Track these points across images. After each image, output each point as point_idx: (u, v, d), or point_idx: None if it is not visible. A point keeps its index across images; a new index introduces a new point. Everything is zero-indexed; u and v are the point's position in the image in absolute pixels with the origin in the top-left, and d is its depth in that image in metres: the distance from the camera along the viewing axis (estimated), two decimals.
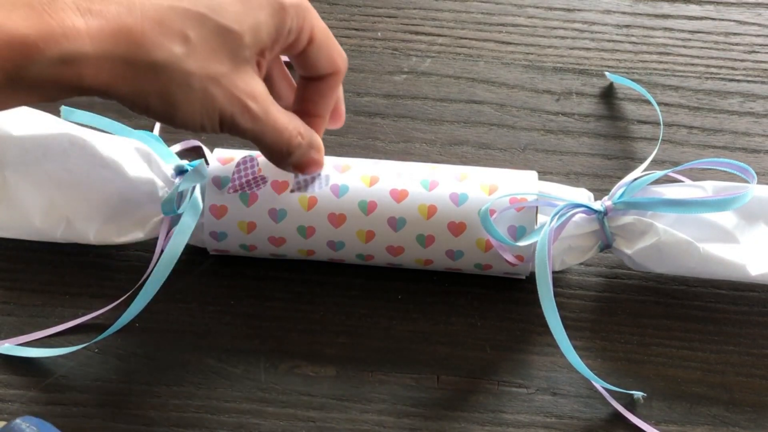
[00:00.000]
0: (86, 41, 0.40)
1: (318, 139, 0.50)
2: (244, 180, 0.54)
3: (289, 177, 0.54)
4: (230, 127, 0.45)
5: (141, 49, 0.41)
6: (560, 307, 0.52)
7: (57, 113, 0.56)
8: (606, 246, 0.55)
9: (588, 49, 0.66)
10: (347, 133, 0.63)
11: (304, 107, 0.51)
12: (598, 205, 0.54)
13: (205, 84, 0.43)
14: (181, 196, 0.55)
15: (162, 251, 0.54)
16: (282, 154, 0.48)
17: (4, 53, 0.39)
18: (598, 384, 0.53)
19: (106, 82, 0.41)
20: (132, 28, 0.41)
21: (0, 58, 0.39)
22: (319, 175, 0.54)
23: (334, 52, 0.49)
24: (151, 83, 0.42)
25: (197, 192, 0.54)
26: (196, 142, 0.61)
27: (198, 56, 0.42)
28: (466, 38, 0.66)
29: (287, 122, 0.47)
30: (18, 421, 0.47)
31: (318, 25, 0.48)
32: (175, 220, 0.55)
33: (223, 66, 0.43)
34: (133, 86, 0.42)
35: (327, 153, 0.60)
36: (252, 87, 0.45)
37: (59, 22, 0.39)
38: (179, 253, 0.53)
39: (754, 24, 0.66)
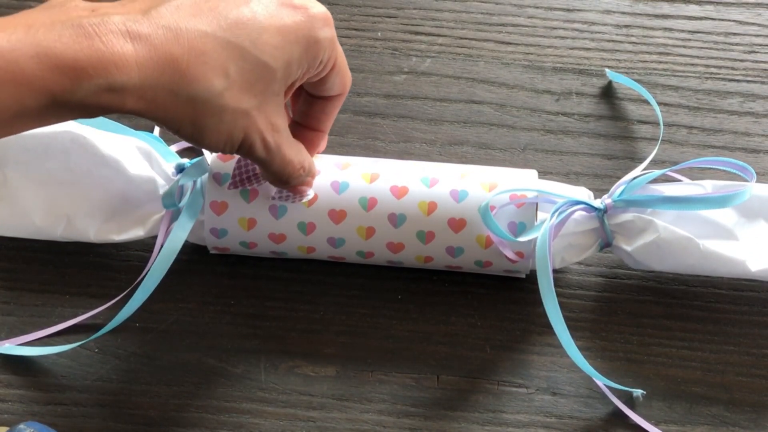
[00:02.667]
0: (134, 71, 0.40)
1: (314, 168, 0.52)
2: (244, 176, 0.54)
3: None
4: (245, 152, 0.46)
5: (184, 80, 0.42)
6: (560, 307, 0.52)
7: None
8: (606, 244, 0.55)
9: (588, 49, 0.66)
10: (347, 133, 0.63)
11: (307, 122, 0.52)
12: (597, 203, 0.54)
13: (235, 117, 0.44)
14: (181, 191, 0.55)
15: (162, 246, 0.54)
16: (281, 181, 0.50)
17: (54, 77, 0.39)
18: (598, 379, 0.53)
19: (145, 108, 0.42)
20: (178, 58, 0.41)
21: (49, 81, 0.39)
22: None
23: (346, 77, 0.50)
24: (187, 112, 0.43)
25: (198, 187, 0.54)
26: None
27: (234, 90, 0.43)
28: (466, 38, 0.66)
29: (294, 155, 0.49)
30: (21, 426, 0.47)
31: (340, 53, 0.49)
32: (175, 216, 0.55)
33: (255, 99, 0.44)
34: (170, 113, 0.42)
35: (327, 153, 0.60)
36: (275, 120, 0.46)
37: (109, 48, 0.40)
38: (179, 248, 0.53)
39: (754, 24, 0.66)
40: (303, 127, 0.52)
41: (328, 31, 0.46)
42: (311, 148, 0.52)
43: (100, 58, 0.39)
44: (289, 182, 0.50)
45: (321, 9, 0.46)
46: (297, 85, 0.47)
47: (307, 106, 0.51)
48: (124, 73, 0.40)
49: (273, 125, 0.46)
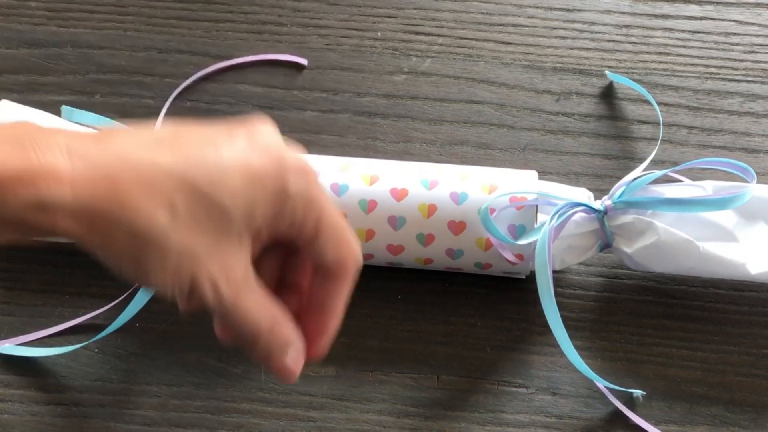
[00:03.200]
0: (66, 188, 0.36)
1: (298, 345, 0.43)
2: None
3: None
4: (198, 300, 0.40)
5: (124, 209, 0.37)
6: (560, 307, 0.52)
7: (57, 112, 0.56)
8: (606, 245, 0.55)
9: (588, 49, 0.66)
10: (347, 133, 0.63)
11: (311, 302, 0.44)
12: (598, 205, 0.54)
13: (181, 257, 0.39)
14: None
15: None
16: (245, 343, 0.42)
17: None
18: (598, 382, 0.53)
19: (81, 232, 0.38)
20: (120, 183, 0.37)
21: None
22: None
23: (342, 246, 0.43)
24: (127, 245, 0.38)
25: None
26: None
27: (181, 228, 0.39)
28: (466, 38, 0.66)
29: (260, 314, 0.41)
30: None
31: (328, 216, 0.42)
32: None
33: (205, 239, 0.39)
34: (109, 243, 0.38)
35: (328, 153, 0.60)
36: (229, 266, 0.40)
37: (42, 161, 0.36)
38: None
39: (754, 24, 0.66)
40: (306, 310, 0.44)
41: (301, 183, 0.40)
42: (316, 332, 0.44)
43: (29, 171, 0.36)
44: (255, 348, 0.42)
45: (296, 158, 0.41)
46: (270, 237, 0.41)
47: (311, 282, 0.45)
48: (54, 189, 0.36)
49: (228, 273, 0.40)
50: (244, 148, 0.40)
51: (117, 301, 0.56)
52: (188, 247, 0.39)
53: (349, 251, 0.43)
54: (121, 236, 0.38)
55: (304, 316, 0.43)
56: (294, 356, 0.42)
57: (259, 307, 0.41)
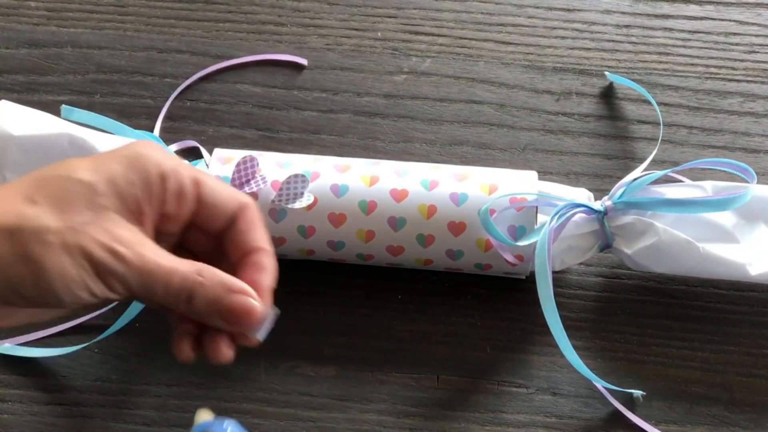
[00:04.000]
0: None
1: (244, 288, 0.42)
2: (243, 179, 0.54)
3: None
4: (107, 276, 0.40)
5: None
6: (560, 307, 0.52)
7: (57, 112, 0.56)
8: (606, 246, 0.55)
9: (588, 49, 0.66)
10: (347, 133, 0.63)
11: (238, 256, 0.44)
12: (598, 205, 0.54)
13: (64, 236, 0.39)
14: None
15: None
16: (181, 301, 0.41)
17: None
18: (598, 383, 0.53)
19: None
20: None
21: None
22: (302, 187, 0.53)
23: (231, 198, 0.44)
24: (6, 247, 0.38)
25: None
26: (194, 143, 0.61)
27: (50, 210, 0.39)
28: (466, 38, 0.66)
29: (176, 263, 0.41)
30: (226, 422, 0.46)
31: (205, 184, 0.43)
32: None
33: (83, 216, 0.39)
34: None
35: (328, 153, 0.60)
36: (119, 233, 0.40)
37: None
38: None
39: (754, 24, 0.66)
40: (239, 263, 0.44)
41: (155, 150, 0.42)
42: (256, 270, 0.44)
43: None
44: (193, 296, 0.41)
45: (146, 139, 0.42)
46: (155, 209, 0.42)
47: (231, 257, 0.44)
48: None
49: (117, 237, 0.40)
50: (102, 155, 0.41)
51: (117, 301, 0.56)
52: (67, 224, 0.39)
53: (236, 195, 0.44)
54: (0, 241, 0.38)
55: (240, 272, 0.43)
56: (244, 300, 0.42)
57: (173, 260, 0.41)
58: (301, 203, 0.53)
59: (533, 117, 0.63)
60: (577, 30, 0.67)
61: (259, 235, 0.44)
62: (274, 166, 0.55)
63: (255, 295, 0.42)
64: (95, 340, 0.55)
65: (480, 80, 0.65)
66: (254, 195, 0.54)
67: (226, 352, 0.42)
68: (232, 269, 0.43)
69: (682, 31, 0.66)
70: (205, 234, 0.44)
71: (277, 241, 0.54)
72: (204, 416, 0.47)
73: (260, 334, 0.42)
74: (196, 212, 0.43)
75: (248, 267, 0.43)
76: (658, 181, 0.55)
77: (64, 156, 0.55)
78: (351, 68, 0.65)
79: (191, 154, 0.61)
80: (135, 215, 0.41)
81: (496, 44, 0.66)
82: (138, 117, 0.63)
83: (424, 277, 0.58)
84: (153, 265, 0.40)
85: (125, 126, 0.57)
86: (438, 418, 0.54)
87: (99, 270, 0.39)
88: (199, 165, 0.55)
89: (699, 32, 0.66)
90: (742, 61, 0.65)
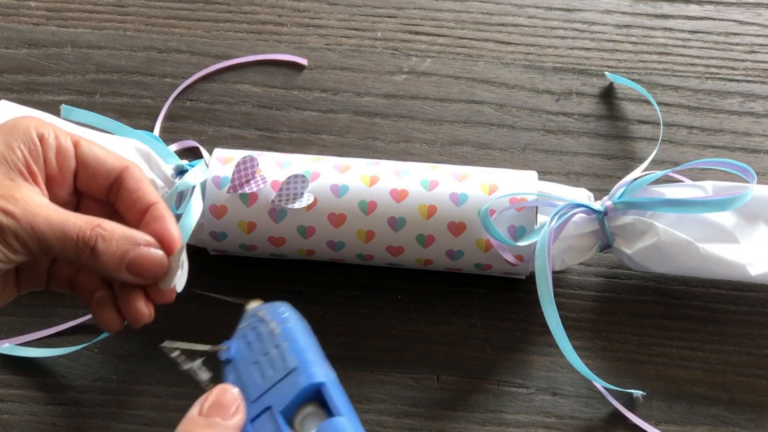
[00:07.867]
0: None
1: (150, 240, 0.43)
2: (243, 180, 0.54)
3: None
4: (4, 236, 0.41)
5: None
6: (560, 307, 0.52)
7: (57, 112, 0.56)
8: (606, 246, 0.55)
9: (588, 49, 0.66)
10: (347, 133, 0.63)
11: (145, 226, 0.44)
12: (598, 205, 0.54)
13: None
14: (181, 196, 0.55)
15: None
16: (85, 255, 0.42)
17: None
18: (598, 383, 0.53)
19: None
20: None
21: None
22: (302, 187, 0.53)
23: (111, 152, 0.45)
24: None
25: (197, 191, 0.54)
26: (194, 143, 0.61)
27: None
28: (466, 38, 0.66)
29: (69, 216, 0.42)
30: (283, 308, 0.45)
31: (83, 147, 0.44)
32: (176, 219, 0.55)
33: None
34: None
35: (328, 153, 0.60)
36: (9, 194, 0.41)
37: None
38: None
39: (754, 24, 0.66)
40: (135, 218, 0.45)
41: (32, 118, 0.44)
42: (156, 221, 0.44)
43: None
44: (93, 249, 0.42)
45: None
46: (38, 173, 0.43)
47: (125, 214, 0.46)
48: None
49: (9, 197, 0.41)
50: None
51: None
52: None
53: (116, 156, 0.45)
54: None
55: (143, 228, 0.44)
56: (148, 250, 0.43)
57: (66, 214, 0.42)
58: (301, 203, 0.53)
59: (533, 117, 0.63)
60: (577, 30, 0.67)
61: (149, 191, 0.45)
62: (274, 166, 0.55)
63: (157, 244, 0.43)
64: (95, 340, 0.55)
65: (480, 80, 0.65)
66: (254, 195, 0.54)
67: (143, 310, 0.44)
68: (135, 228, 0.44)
69: (682, 31, 0.66)
70: (96, 202, 0.45)
71: (277, 241, 0.55)
72: (255, 304, 0.47)
73: (177, 285, 0.43)
74: (80, 173, 0.44)
75: (149, 222, 0.44)
76: (658, 181, 0.55)
77: None
78: (351, 68, 0.65)
79: (191, 154, 0.61)
80: (24, 176, 0.42)
81: (496, 44, 0.66)
82: (138, 117, 0.63)
83: (424, 277, 0.58)
84: (42, 218, 0.41)
85: (125, 126, 0.57)
86: (438, 418, 0.54)
87: None
88: (199, 165, 0.55)
89: (699, 32, 0.66)
90: (742, 61, 0.65)
